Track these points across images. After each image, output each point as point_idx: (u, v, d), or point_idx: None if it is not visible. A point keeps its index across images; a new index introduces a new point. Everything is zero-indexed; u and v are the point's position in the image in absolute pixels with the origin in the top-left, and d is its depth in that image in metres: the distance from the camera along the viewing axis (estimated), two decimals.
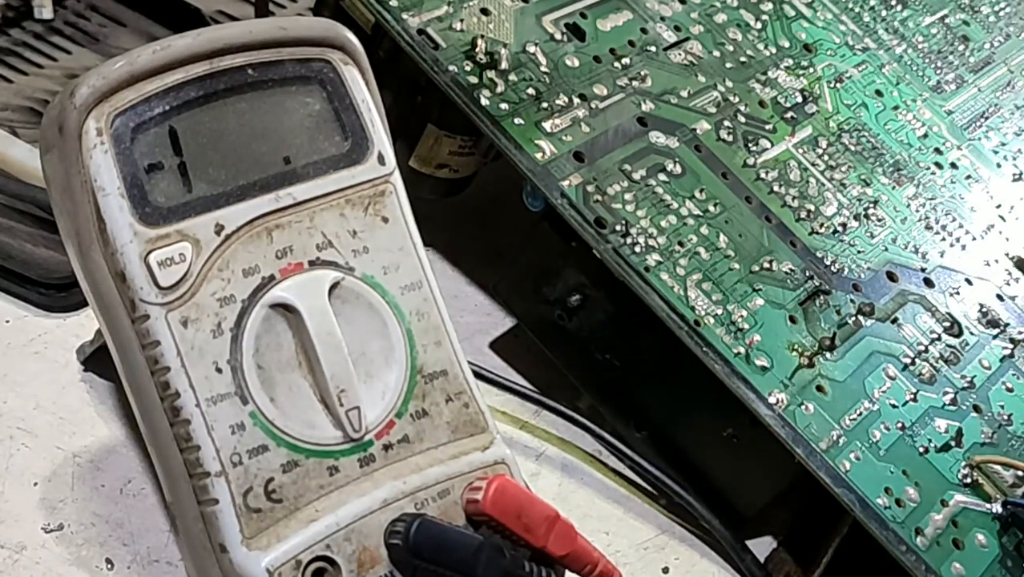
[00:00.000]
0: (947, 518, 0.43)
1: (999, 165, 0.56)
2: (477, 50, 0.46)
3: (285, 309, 0.35)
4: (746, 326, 0.44)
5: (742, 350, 0.43)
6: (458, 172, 0.51)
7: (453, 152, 0.50)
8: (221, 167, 0.35)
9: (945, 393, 0.46)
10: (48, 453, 0.42)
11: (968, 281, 0.50)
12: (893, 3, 0.59)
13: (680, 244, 0.45)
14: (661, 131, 0.48)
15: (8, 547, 0.39)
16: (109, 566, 0.39)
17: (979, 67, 0.60)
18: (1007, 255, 0.52)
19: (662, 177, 0.47)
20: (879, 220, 0.50)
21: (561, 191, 0.44)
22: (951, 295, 0.49)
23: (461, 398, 0.38)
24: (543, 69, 0.47)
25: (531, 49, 0.47)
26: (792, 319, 0.45)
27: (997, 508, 0.44)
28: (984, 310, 0.49)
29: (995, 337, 0.49)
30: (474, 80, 0.45)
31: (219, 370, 0.34)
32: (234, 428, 0.34)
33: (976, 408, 0.46)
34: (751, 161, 0.49)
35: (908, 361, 0.46)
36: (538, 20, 0.49)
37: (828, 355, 0.45)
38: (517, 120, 0.45)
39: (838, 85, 0.54)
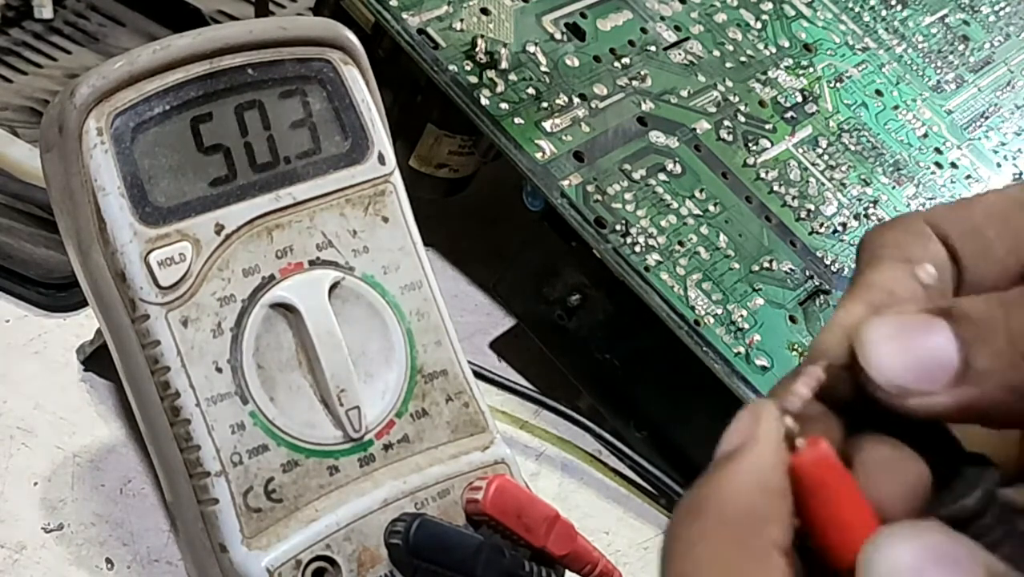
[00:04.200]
0: None
1: (999, 165, 0.56)
2: (477, 50, 0.46)
3: (285, 309, 0.35)
4: (746, 326, 0.44)
5: (742, 350, 0.43)
6: (458, 172, 0.51)
7: (453, 152, 0.50)
8: (220, 166, 0.35)
9: None
10: (48, 453, 0.42)
11: None
12: (893, 3, 0.59)
13: (680, 244, 0.45)
14: (661, 131, 0.48)
15: (8, 547, 0.39)
16: (109, 566, 0.39)
17: (979, 67, 0.60)
18: None
19: (662, 177, 0.47)
20: (879, 220, 0.50)
21: (561, 191, 0.44)
22: None
23: (461, 398, 0.38)
24: (543, 69, 0.47)
25: (531, 49, 0.47)
26: (792, 319, 0.45)
27: None
28: None
29: None
30: (474, 80, 0.45)
31: (219, 370, 0.34)
32: (234, 428, 0.34)
33: None
34: (751, 161, 0.49)
35: None
36: (538, 20, 0.49)
37: None
38: (517, 120, 0.45)
39: (838, 85, 0.54)
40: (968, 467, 0.22)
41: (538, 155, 0.45)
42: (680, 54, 0.51)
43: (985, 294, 0.22)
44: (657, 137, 0.48)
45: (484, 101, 0.45)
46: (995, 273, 0.24)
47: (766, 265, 0.46)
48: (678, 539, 0.21)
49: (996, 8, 0.63)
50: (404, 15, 0.46)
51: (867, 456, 0.22)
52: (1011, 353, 0.21)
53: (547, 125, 0.46)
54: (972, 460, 0.22)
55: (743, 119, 0.50)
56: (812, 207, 0.49)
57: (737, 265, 0.46)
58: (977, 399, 0.21)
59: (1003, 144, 0.57)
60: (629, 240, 0.44)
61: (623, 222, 0.44)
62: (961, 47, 0.60)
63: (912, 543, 0.20)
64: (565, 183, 0.44)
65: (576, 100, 0.47)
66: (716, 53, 0.52)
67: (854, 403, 0.23)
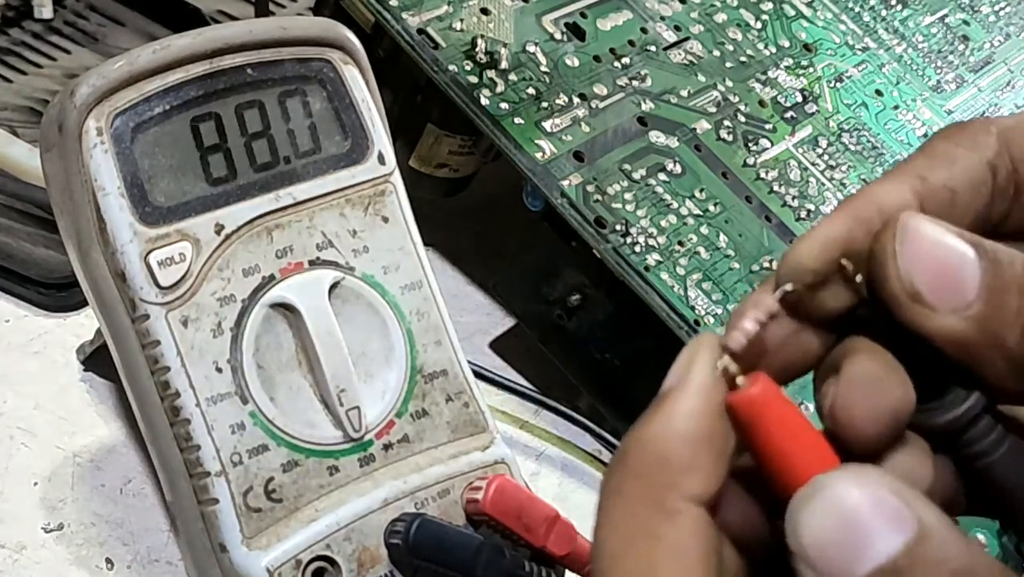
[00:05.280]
0: None
1: None
2: (477, 50, 0.46)
3: (285, 309, 0.35)
4: None
5: None
6: (458, 172, 0.51)
7: (453, 152, 0.50)
8: (220, 166, 0.35)
9: None
10: (48, 453, 0.42)
11: None
12: (893, 3, 0.59)
13: (680, 244, 0.45)
14: (661, 131, 0.48)
15: (8, 547, 0.39)
16: (109, 566, 0.39)
17: (979, 67, 0.60)
18: None
19: (662, 177, 0.47)
20: None
21: (561, 191, 0.44)
22: None
23: (461, 398, 0.38)
24: (543, 69, 0.47)
25: (531, 49, 0.47)
26: None
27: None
28: None
29: None
30: (474, 80, 0.46)
31: (219, 370, 0.34)
32: (234, 428, 0.34)
33: None
34: (751, 161, 0.49)
35: None
36: (538, 20, 0.49)
37: None
38: (517, 120, 0.45)
39: (838, 85, 0.54)
40: (957, 385, 0.22)
41: (538, 155, 0.45)
42: (680, 54, 0.51)
43: (1014, 250, 0.22)
44: (657, 137, 0.48)
45: (484, 101, 0.45)
46: None
47: (766, 265, 0.46)
48: (603, 493, 0.21)
49: (996, 8, 0.63)
50: (404, 15, 0.46)
51: (851, 371, 0.22)
52: (1014, 314, 0.21)
53: (547, 125, 0.46)
54: (962, 381, 0.22)
55: (743, 119, 0.50)
56: (812, 207, 0.49)
57: (737, 265, 0.46)
58: (970, 337, 0.21)
59: None
60: (629, 240, 0.44)
61: (623, 222, 0.44)
62: (961, 47, 0.60)
63: (851, 488, 0.20)
64: (565, 183, 0.44)
65: (576, 100, 0.47)
66: (716, 53, 0.52)
67: (838, 317, 0.22)
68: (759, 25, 0.54)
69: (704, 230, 0.46)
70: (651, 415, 0.21)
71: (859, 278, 0.22)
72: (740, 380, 0.21)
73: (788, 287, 0.22)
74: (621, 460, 0.21)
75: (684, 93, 0.50)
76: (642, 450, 0.21)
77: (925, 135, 0.55)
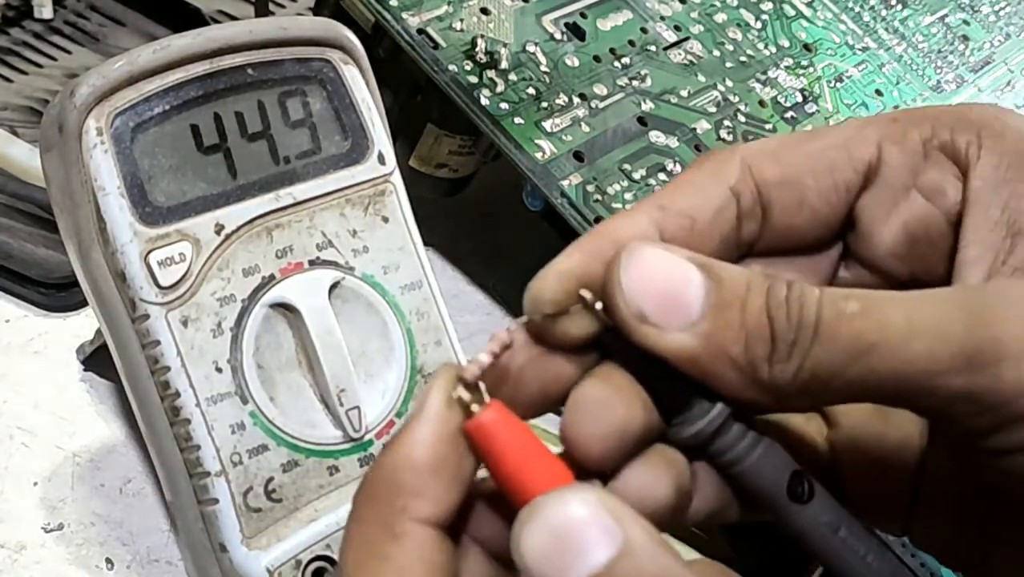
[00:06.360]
0: None
1: None
2: (477, 50, 0.46)
3: (285, 309, 0.35)
4: None
5: None
6: (458, 172, 0.51)
7: (453, 152, 0.50)
8: (220, 166, 0.35)
9: None
10: (48, 453, 0.42)
11: None
12: (893, 3, 0.59)
13: None
14: (661, 130, 0.48)
15: (8, 547, 0.39)
16: (109, 566, 0.39)
17: (979, 67, 0.60)
18: None
19: (662, 177, 0.47)
20: None
21: (561, 191, 0.44)
22: None
23: None
24: (543, 69, 0.47)
25: (531, 49, 0.47)
26: None
27: None
28: None
29: None
30: (474, 80, 0.46)
31: (219, 370, 0.34)
32: (234, 428, 0.34)
33: None
34: None
35: None
36: (538, 20, 0.49)
37: None
38: (517, 120, 0.45)
39: (838, 85, 0.54)
40: (700, 399, 0.23)
41: (538, 155, 0.45)
42: (680, 54, 0.51)
43: (741, 267, 0.23)
44: (657, 137, 0.48)
45: (484, 101, 0.45)
46: (806, 222, 0.25)
47: None
48: (348, 516, 0.23)
49: (996, 8, 0.63)
50: (404, 15, 0.46)
51: (576, 396, 0.23)
52: (737, 328, 0.22)
53: (547, 125, 0.46)
54: (707, 395, 0.23)
55: (743, 119, 0.50)
56: None
57: None
58: (698, 353, 0.22)
59: None
60: None
61: None
62: (961, 47, 0.60)
63: (565, 507, 0.21)
64: (565, 183, 0.44)
65: (576, 100, 0.47)
66: (716, 53, 0.52)
67: (586, 344, 0.23)
68: (759, 25, 0.54)
69: None
70: (390, 443, 0.23)
71: (599, 305, 0.23)
72: (474, 408, 0.22)
73: (524, 319, 0.23)
74: (361, 486, 0.23)
75: (684, 93, 0.50)
76: (377, 476, 0.22)
77: None
